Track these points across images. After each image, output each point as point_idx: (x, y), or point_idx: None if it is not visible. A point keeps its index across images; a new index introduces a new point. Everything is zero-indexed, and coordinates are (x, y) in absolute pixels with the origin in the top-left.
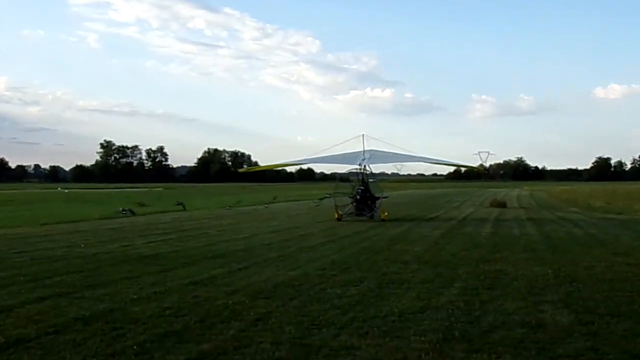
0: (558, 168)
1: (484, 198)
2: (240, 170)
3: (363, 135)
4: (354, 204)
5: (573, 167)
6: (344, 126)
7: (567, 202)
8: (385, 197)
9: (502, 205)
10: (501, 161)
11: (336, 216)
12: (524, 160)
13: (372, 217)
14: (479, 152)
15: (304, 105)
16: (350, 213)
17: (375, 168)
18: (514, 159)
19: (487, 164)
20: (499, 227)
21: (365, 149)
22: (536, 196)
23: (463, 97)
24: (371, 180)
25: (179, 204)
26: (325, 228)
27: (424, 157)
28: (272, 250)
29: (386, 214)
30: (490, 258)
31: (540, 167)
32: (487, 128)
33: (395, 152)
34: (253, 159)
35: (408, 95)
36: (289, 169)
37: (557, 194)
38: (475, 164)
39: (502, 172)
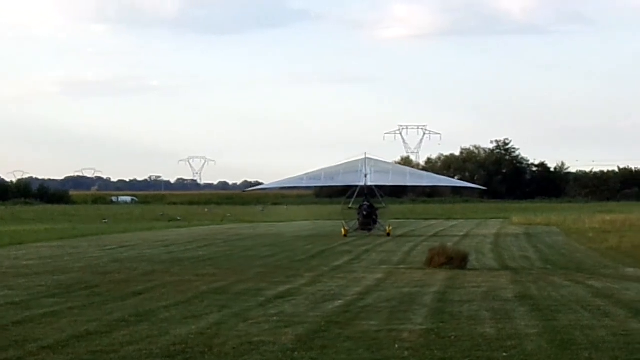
0: (599, 168)
1: (411, 244)
2: (247, 190)
3: (365, 154)
4: (360, 219)
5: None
6: None
7: (622, 254)
8: (385, 207)
9: (458, 260)
10: (458, 151)
11: (343, 233)
12: (511, 148)
13: (370, 230)
14: (400, 129)
15: None
16: (356, 229)
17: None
18: (483, 145)
19: (419, 158)
20: (447, 319)
21: (361, 160)
22: (542, 239)
23: None
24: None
25: None
26: None
27: (439, 178)
28: None
29: (391, 227)
30: None
31: (555, 165)
32: (413, 61)
33: (397, 165)
34: None
35: None
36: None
37: (596, 234)
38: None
39: (456, 177)
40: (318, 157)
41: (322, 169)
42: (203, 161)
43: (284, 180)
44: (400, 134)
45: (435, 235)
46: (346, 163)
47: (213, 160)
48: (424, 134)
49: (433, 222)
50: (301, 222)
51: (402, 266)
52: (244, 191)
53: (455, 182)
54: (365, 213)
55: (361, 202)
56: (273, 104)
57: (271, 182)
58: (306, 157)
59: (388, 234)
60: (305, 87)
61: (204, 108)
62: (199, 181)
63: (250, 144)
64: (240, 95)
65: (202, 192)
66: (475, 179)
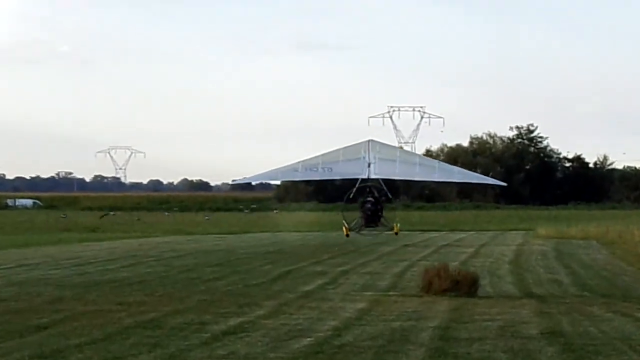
0: None
1: (405, 264)
2: (233, 182)
3: (369, 141)
4: (363, 217)
5: None
6: None
7: None
8: (390, 199)
9: (465, 285)
10: (466, 140)
11: (345, 233)
12: (537, 137)
13: (376, 227)
14: (391, 111)
15: None
16: (360, 226)
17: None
18: (500, 132)
19: (415, 149)
20: None
21: (364, 144)
22: (577, 257)
23: None
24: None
25: None
26: None
27: (452, 169)
28: None
29: (399, 225)
30: None
31: (594, 159)
32: (408, 24)
33: (404, 150)
34: None
35: None
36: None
37: None
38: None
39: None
40: (283, 149)
41: (318, 156)
42: (129, 153)
43: (274, 170)
44: (391, 117)
45: (435, 252)
46: (346, 148)
47: (142, 152)
48: (422, 117)
49: (433, 234)
50: (258, 234)
51: (391, 292)
52: (232, 181)
53: (474, 176)
54: (369, 212)
55: (364, 199)
56: (225, 79)
57: (258, 172)
58: (267, 148)
59: (396, 233)
60: (268, 58)
61: (131, 84)
62: (123, 179)
63: (192, 132)
64: (180, 68)
65: (127, 193)
66: (490, 176)
